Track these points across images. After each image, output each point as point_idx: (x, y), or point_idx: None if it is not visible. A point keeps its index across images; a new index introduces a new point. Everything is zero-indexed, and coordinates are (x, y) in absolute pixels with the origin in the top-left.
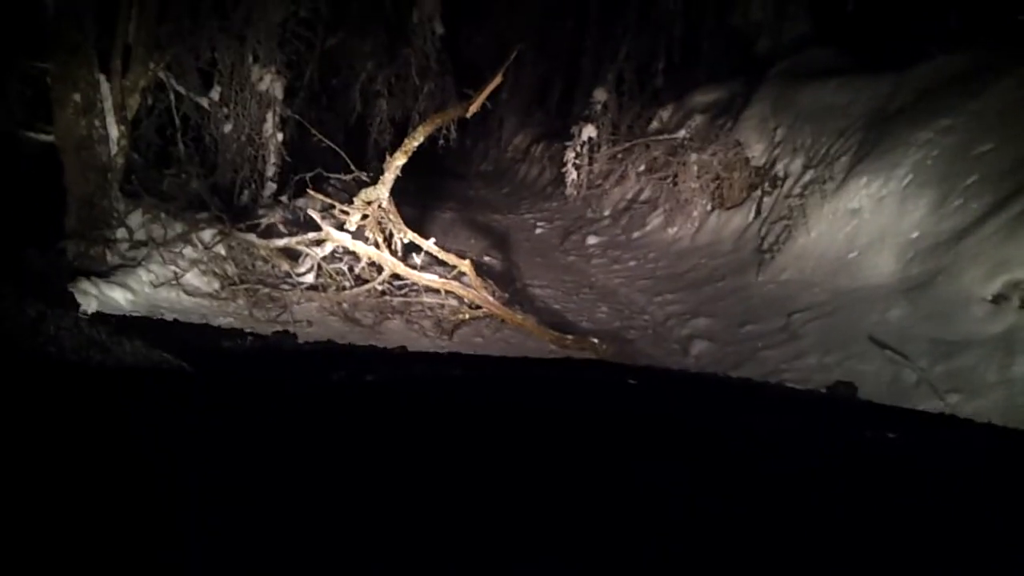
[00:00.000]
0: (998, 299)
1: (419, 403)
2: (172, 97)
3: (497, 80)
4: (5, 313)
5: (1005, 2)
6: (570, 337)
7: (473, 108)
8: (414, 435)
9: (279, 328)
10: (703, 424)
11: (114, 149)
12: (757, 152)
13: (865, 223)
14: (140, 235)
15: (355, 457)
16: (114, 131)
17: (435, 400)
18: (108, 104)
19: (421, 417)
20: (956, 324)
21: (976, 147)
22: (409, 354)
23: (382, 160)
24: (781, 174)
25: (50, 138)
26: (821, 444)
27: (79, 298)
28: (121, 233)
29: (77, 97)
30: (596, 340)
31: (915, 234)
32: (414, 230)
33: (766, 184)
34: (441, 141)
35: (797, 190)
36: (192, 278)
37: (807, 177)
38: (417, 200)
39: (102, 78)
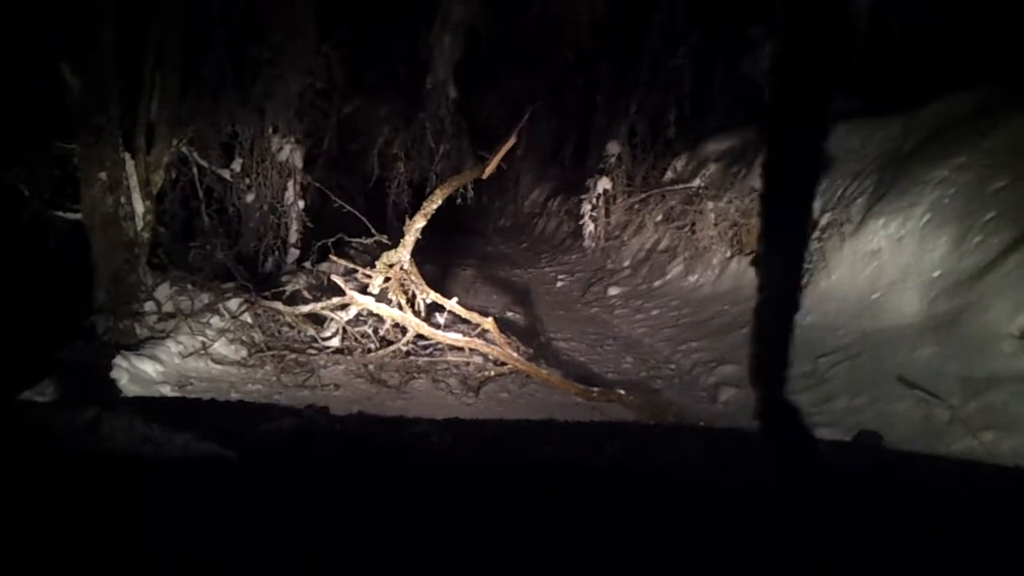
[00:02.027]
0: None
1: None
2: (195, 171)
3: (512, 141)
4: (63, 416)
5: (1011, 43)
6: (596, 389)
7: (489, 169)
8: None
9: (308, 395)
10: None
11: (140, 224)
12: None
13: (886, 263)
14: (168, 307)
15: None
16: (140, 207)
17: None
18: (133, 181)
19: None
20: (985, 361)
21: (992, 184)
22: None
23: (402, 221)
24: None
25: (78, 216)
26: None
27: (113, 373)
28: (149, 306)
29: (103, 176)
30: (623, 391)
31: (937, 272)
32: (436, 289)
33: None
34: (459, 200)
35: (816, 233)
36: (220, 347)
37: (824, 220)
38: (437, 258)
39: (127, 156)
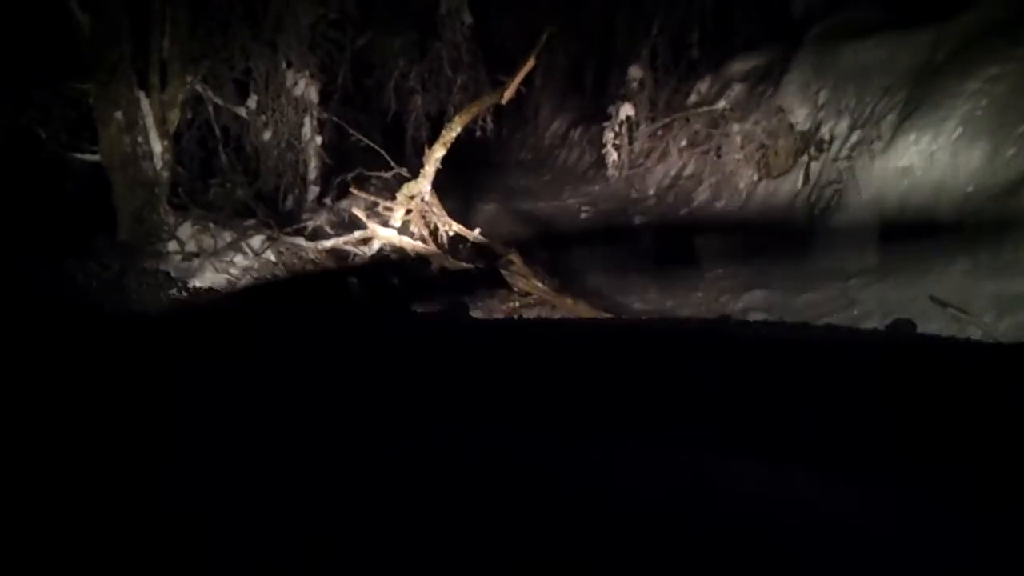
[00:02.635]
0: None
1: None
2: (211, 109)
3: (530, 64)
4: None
5: None
6: (623, 319)
7: (508, 94)
8: None
9: None
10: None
11: (159, 164)
12: (801, 117)
13: (918, 180)
14: (191, 246)
15: None
16: (157, 146)
17: None
18: (149, 120)
19: None
20: (1019, 278)
21: None
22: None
23: (421, 156)
24: (827, 137)
25: (96, 157)
26: None
27: None
28: (172, 246)
29: (119, 115)
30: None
31: (970, 188)
32: (458, 221)
33: (812, 149)
34: (478, 132)
35: (845, 152)
36: (245, 286)
37: (854, 138)
38: (458, 193)
39: (141, 95)
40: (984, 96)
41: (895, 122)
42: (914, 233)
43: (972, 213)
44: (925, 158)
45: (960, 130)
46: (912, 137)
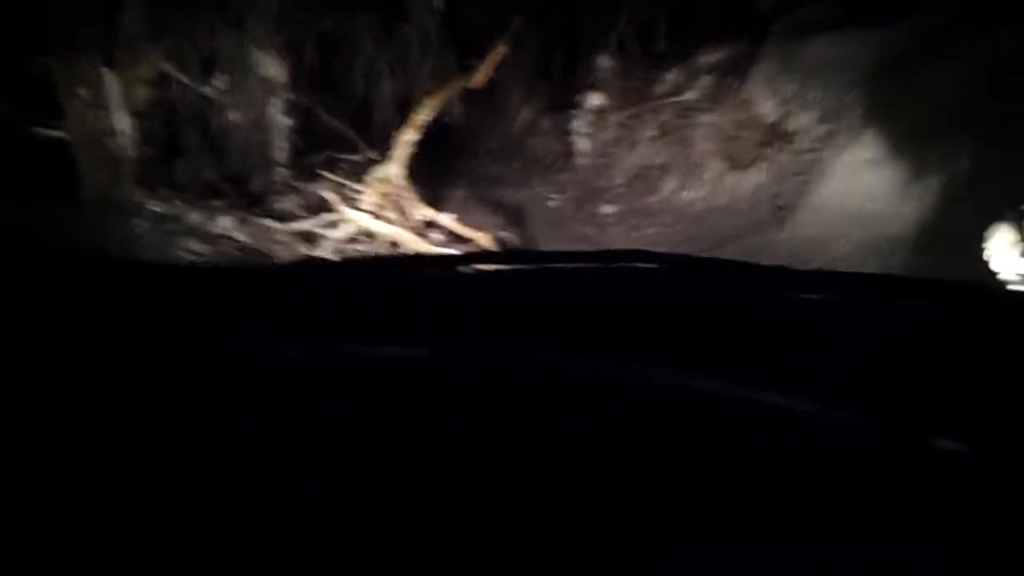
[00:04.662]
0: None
1: None
2: (176, 87)
3: (501, 50)
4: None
5: None
6: None
7: (479, 79)
8: None
9: None
10: None
11: (124, 141)
12: (768, 109)
13: (883, 172)
14: (156, 225)
15: None
16: (123, 123)
17: None
18: (115, 97)
19: None
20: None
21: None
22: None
23: (390, 140)
24: (794, 130)
25: (60, 133)
26: None
27: None
28: (137, 224)
29: (83, 91)
30: None
31: (932, 180)
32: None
33: (779, 141)
34: (446, 119)
35: (812, 145)
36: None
37: (821, 131)
38: (428, 179)
39: (106, 71)
40: (947, 90)
41: (862, 114)
42: (880, 224)
43: (935, 205)
44: (890, 150)
45: (925, 123)
46: (877, 129)
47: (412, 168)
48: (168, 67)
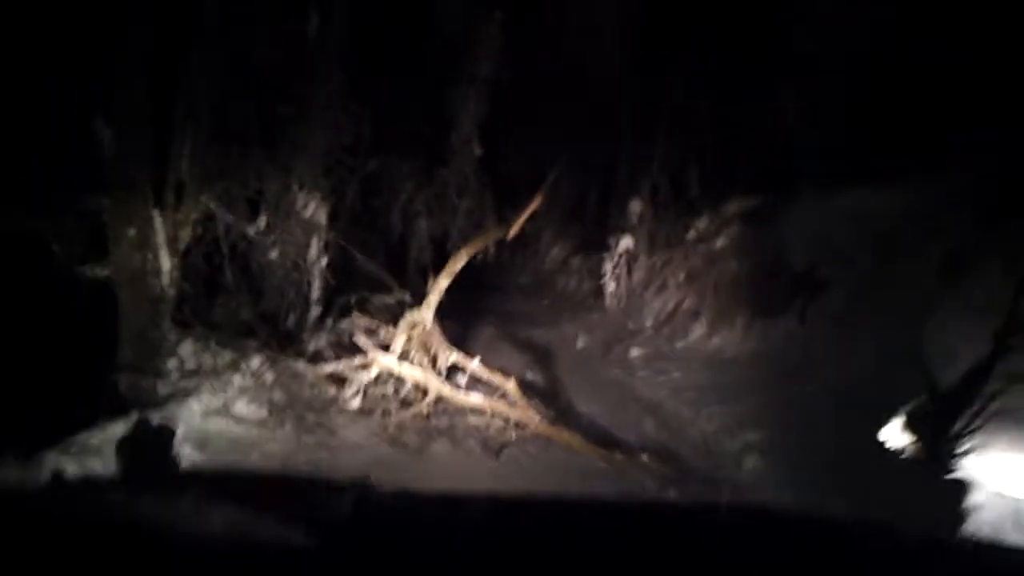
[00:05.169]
0: None
1: None
2: (220, 227)
3: (535, 204)
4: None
5: None
6: (619, 454)
7: (513, 231)
8: None
9: (327, 456)
10: None
11: (166, 280)
12: (795, 259)
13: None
14: (190, 364)
15: None
16: (166, 263)
17: None
18: (161, 237)
19: None
20: None
21: None
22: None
23: (424, 278)
24: (822, 279)
25: (105, 273)
26: None
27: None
28: (172, 363)
29: (132, 232)
30: (645, 457)
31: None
32: (457, 347)
33: (808, 289)
34: (480, 254)
35: (841, 294)
36: (241, 406)
37: (847, 281)
38: (457, 315)
39: (155, 212)
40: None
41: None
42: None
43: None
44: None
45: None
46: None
47: (443, 302)
48: (214, 207)
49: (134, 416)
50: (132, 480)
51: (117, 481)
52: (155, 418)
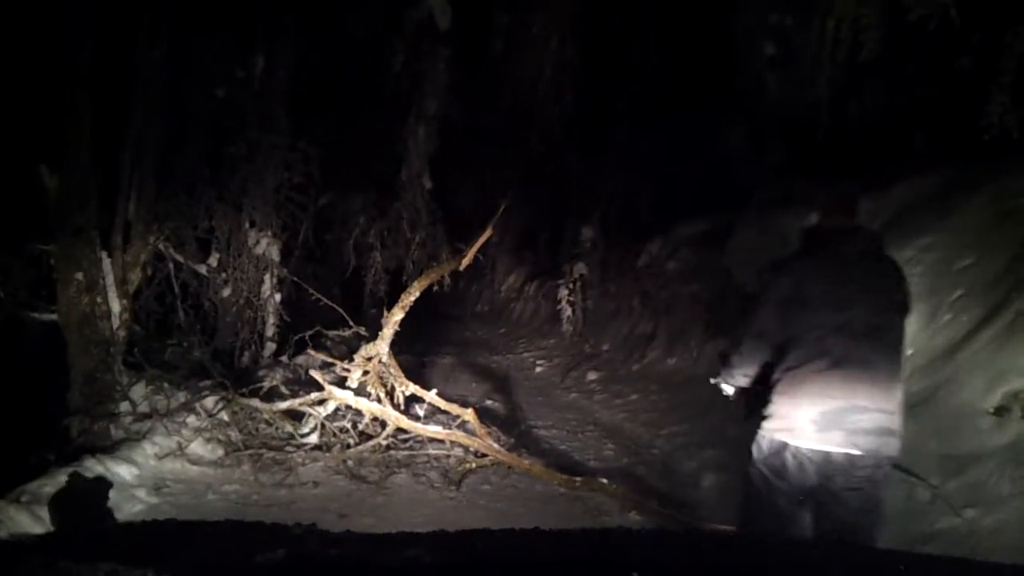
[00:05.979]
0: (1000, 411)
1: None
2: (171, 267)
3: (488, 234)
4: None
5: (968, 122)
6: (579, 479)
7: (465, 262)
8: None
9: (286, 494)
10: None
11: (116, 323)
12: (746, 279)
13: None
14: (143, 407)
15: None
16: (116, 305)
17: None
18: (110, 280)
19: None
20: (963, 438)
21: (958, 262)
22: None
23: (379, 310)
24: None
25: (53, 317)
26: None
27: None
28: (125, 407)
29: (80, 276)
30: (605, 480)
31: (910, 351)
32: (415, 378)
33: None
34: (435, 287)
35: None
36: (196, 447)
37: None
38: (415, 346)
39: (104, 255)
40: (918, 263)
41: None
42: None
43: (913, 375)
44: None
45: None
46: None
47: (401, 333)
48: (164, 248)
49: (86, 462)
50: (62, 538)
51: (42, 542)
52: (99, 468)
